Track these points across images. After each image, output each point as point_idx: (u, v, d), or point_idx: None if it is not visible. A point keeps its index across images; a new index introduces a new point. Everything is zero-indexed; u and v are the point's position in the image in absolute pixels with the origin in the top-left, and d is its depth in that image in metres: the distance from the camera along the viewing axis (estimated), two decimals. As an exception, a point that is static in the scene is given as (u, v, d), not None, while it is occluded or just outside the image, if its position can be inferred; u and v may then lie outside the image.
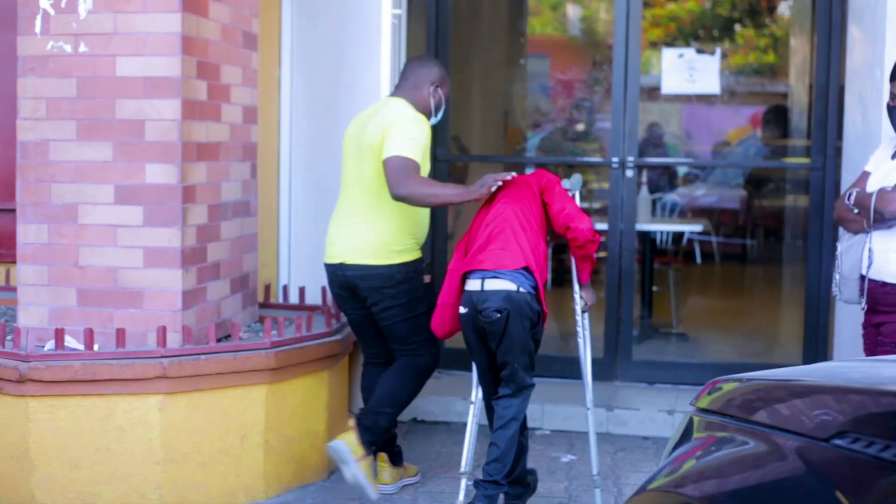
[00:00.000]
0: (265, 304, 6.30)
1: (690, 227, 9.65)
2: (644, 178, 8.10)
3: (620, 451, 6.17)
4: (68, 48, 5.21)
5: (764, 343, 8.66)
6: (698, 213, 11.03)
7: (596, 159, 9.82)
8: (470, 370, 5.27)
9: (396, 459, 5.59)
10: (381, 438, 5.34)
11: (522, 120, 11.36)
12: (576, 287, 5.24)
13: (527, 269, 4.83)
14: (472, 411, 5.16)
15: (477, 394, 5.18)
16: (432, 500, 5.42)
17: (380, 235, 5.23)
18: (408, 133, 5.08)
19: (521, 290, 4.79)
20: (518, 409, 4.90)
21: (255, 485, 5.28)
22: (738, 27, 12.75)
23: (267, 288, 6.44)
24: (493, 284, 4.79)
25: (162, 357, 5.03)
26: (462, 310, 4.89)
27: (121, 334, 5.07)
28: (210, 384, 5.12)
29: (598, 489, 5.26)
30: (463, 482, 5.14)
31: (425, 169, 5.18)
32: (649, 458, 6.08)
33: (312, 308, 6.19)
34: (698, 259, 11.05)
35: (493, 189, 4.92)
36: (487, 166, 9.52)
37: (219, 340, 5.35)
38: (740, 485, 2.57)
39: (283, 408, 5.36)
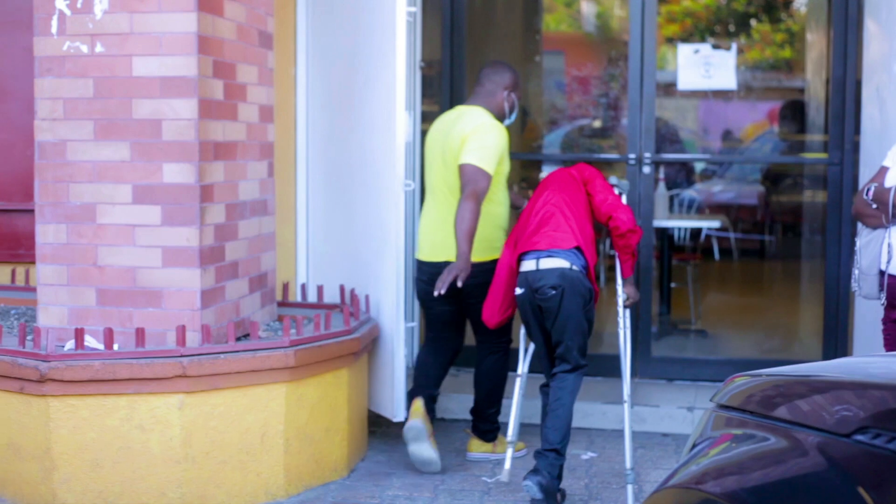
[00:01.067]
0: (283, 303, 6.31)
1: (708, 224, 9.62)
2: (661, 175, 8.07)
3: (640, 448, 6.16)
4: (85, 48, 5.22)
5: (783, 339, 8.64)
6: (716, 209, 11.00)
7: (613, 156, 9.80)
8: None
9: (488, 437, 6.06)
10: (498, 423, 5.99)
11: (539, 117, 11.34)
12: (619, 281, 5.45)
13: (578, 248, 5.10)
14: (519, 384, 5.51)
15: (524, 367, 5.53)
16: (452, 497, 5.42)
17: (480, 233, 5.58)
18: (484, 142, 5.57)
19: (574, 267, 5.10)
20: (573, 384, 5.18)
21: (275, 483, 5.29)
22: (753, 22, 12.70)
23: (285, 286, 6.45)
24: (547, 263, 5.09)
25: (181, 356, 5.04)
26: (518, 290, 5.19)
27: (140, 334, 5.09)
28: (229, 383, 5.13)
29: (631, 485, 5.29)
30: (509, 451, 5.42)
31: (503, 170, 5.71)
32: (669, 454, 6.07)
33: (331, 306, 6.20)
34: (716, 255, 11.01)
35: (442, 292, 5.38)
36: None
37: (238, 339, 5.36)
38: (761, 481, 2.56)
39: (302, 406, 5.37)
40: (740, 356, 7.88)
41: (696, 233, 10.18)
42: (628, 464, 5.31)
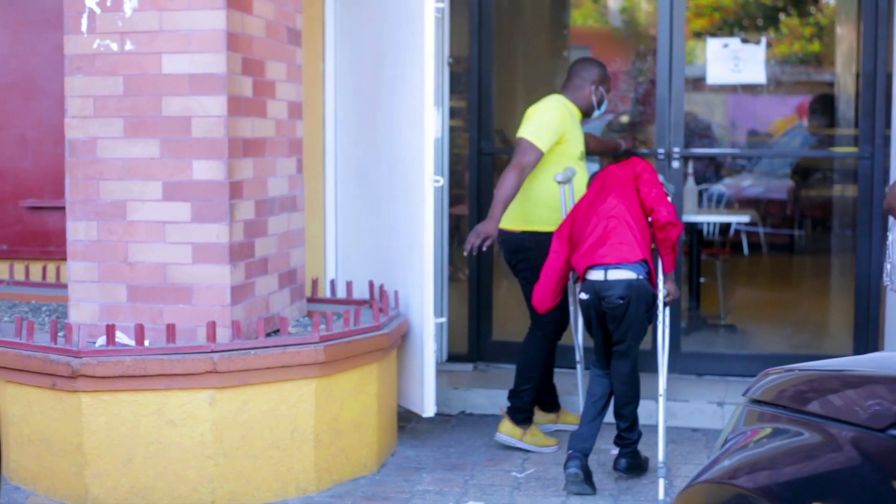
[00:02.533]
0: (312, 299, 6.33)
1: (737, 218, 9.58)
2: (690, 169, 8.05)
3: (670, 444, 6.13)
4: (114, 46, 5.24)
5: (813, 334, 8.59)
6: (745, 203, 10.94)
7: (642, 150, 9.77)
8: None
9: (547, 408, 6.38)
10: (532, 407, 6.13)
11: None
12: (660, 277, 5.55)
13: (644, 260, 5.38)
14: (579, 370, 6.08)
15: (580, 352, 6.05)
16: (482, 492, 5.42)
17: (519, 205, 5.95)
18: (537, 120, 5.91)
19: (640, 277, 5.35)
20: (635, 385, 5.51)
21: (305, 478, 5.30)
22: (782, 16, 12.65)
23: (314, 282, 6.46)
24: (615, 275, 5.32)
25: (212, 352, 5.06)
26: (584, 296, 5.41)
27: (171, 330, 5.11)
28: (260, 378, 5.15)
29: (662, 479, 5.32)
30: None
31: (563, 150, 5.93)
32: (699, 449, 6.06)
33: (360, 302, 6.21)
34: (745, 250, 10.97)
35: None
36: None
37: (268, 335, 5.38)
38: (794, 475, 2.55)
39: (332, 402, 5.38)
40: (770, 351, 7.85)
41: (725, 227, 10.14)
42: (661, 457, 5.33)
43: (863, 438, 2.43)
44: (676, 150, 7.04)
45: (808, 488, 2.50)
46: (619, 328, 5.38)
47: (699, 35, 12.00)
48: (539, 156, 5.83)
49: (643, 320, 5.43)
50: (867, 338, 6.89)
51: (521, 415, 6.06)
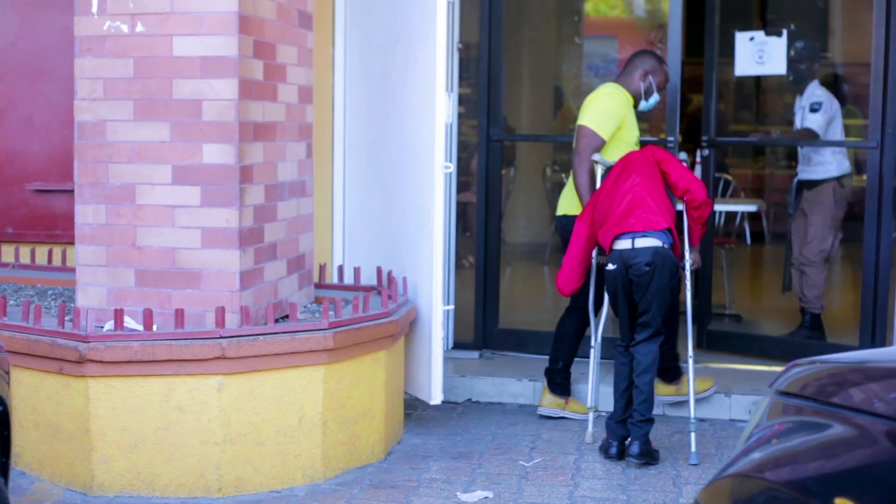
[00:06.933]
0: (320, 285, 6.29)
1: (744, 208, 9.54)
2: (698, 158, 8.02)
3: (677, 434, 6.13)
4: (125, 28, 5.20)
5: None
6: (752, 192, 10.91)
7: (652, 139, 9.73)
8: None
9: (557, 390, 6.36)
10: (568, 374, 6.32)
11: (576, 100, 11.28)
12: (686, 248, 5.88)
13: (668, 229, 5.60)
14: (593, 354, 6.01)
15: (597, 339, 6.00)
16: (490, 481, 5.39)
17: (565, 190, 6.24)
18: (596, 108, 6.10)
19: (665, 245, 5.55)
20: (654, 355, 5.62)
21: (313, 465, 5.27)
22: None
23: (322, 268, 6.43)
24: (642, 242, 5.53)
25: (220, 338, 5.02)
26: (611, 266, 5.59)
27: (179, 315, 5.07)
28: (268, 365, 5.12)
29: (693, 433, 5.71)
30: (591, 416, 6.00)
31: (627, 138, 6.08)
32: (706, 439, 6.04)
33: (368, 288, 6.17)
34: (748, 240, 10.93)
35: None
36: (544, 146, 9.44)
37: (276, 321, 5.34)
38: (823, 468, 2.52)
39: (340, 388, 5.35)
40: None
41: (731, 216, 10.10)
42: (692, 414, 5.75)
43: (892, 430, 2.41)
44: (704, 137, 7.11)
45: (836, 480, 2.47)
46: (644, 297, 5.53)
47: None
48: (602, 143, 5.99)
49: (667, 290, 5.57)
50: (874, 329, 6.84)
51: (553, 386, 6.28)
